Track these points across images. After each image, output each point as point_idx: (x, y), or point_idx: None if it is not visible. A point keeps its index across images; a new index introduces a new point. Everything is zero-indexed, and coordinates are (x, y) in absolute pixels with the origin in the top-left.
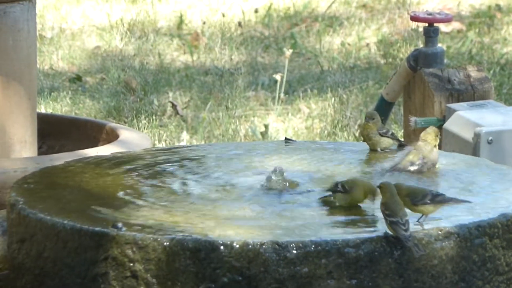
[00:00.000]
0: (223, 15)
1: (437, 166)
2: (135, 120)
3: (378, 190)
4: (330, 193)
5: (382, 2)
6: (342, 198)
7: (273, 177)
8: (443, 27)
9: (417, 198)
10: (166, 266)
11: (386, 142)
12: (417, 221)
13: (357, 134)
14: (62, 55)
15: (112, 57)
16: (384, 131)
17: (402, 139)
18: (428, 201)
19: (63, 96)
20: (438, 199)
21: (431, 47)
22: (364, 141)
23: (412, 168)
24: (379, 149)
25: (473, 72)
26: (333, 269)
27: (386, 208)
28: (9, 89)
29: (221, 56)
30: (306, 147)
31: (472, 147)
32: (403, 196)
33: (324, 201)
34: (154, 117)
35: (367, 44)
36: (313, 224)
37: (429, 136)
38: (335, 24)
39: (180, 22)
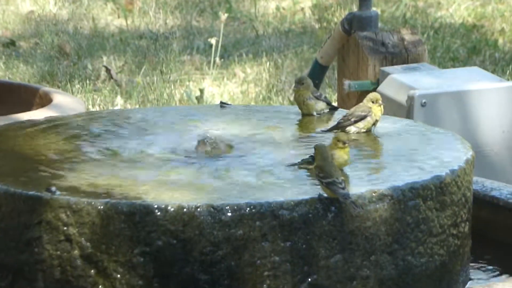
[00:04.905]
0: None
1: (374, 129)
2: (68, 85)
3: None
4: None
5: None
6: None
7: (208, 141)
8: None
9: (320, 174)
10: (100, 230)
11: (321, 105)
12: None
13: (291, 99)
14: None
15: (46, 22)
16: (318, 94)
17: (336, 103)
18: (324, 183)
19: None
20: (331, 188)
21: (365, 10)
22: (299, 107)
23: (353, 128)
24: (315, 113)
25: (407, 35)
26: (268, 231)
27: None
28: None
29: (156, 20)
30: (241, 111)
31: (406, 110)
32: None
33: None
34: (88, 82)
35: (302, 9)
36: (248, 187)
37: (365, 100)
38: None
39: None
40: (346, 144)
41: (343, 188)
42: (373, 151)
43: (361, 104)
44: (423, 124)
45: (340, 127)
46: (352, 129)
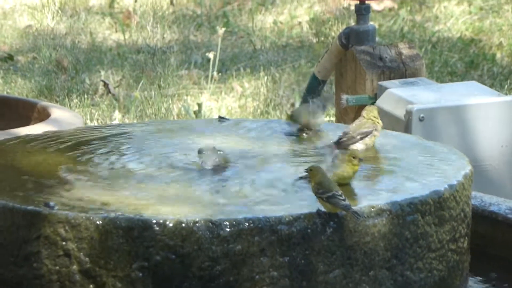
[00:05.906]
0: None
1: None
2: (66, 99)
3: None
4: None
5: None
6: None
7: (206, 155)
8: (375, 5)
9: (320, 191)
10: (99, 245)
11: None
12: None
13: (289, 113)
14: None
15: (44, 36)
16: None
17: (334, 118)
18: (324, 198)
19: None
20: (332, 201)
21: (362, 24)
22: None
23: (360, 145)
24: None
25: (404, 49)
26: (266, 246)
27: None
28: None
29: (153, 35)
30: (239, 125)
31: (404, 125)
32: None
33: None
34: (85, 96)
35: (299, 23)
36: (246, 201)
37: (364, 113)
38: (267, 2)
39: (112, 0)
40: (359, 162)
41: (344, 200)
42: (371, 166)
43: (363, 120)
44: (421, 139)
45: (344, 145)
46: (359, 146)
